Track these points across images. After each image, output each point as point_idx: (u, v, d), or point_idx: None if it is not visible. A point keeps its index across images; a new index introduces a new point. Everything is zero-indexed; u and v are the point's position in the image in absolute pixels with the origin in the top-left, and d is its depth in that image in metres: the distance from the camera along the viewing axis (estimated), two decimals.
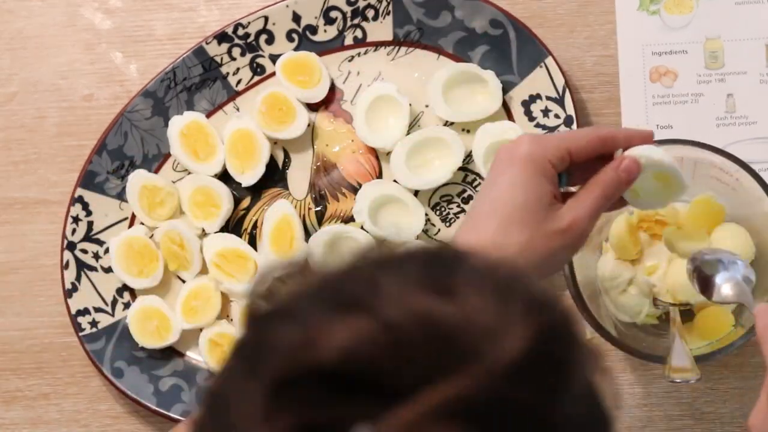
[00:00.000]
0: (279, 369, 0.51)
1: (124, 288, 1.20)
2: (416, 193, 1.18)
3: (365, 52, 1.20)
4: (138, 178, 1.19)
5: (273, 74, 1.20)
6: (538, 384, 0.51)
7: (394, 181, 1.18)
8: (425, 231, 1.18)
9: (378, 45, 1.20)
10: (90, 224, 1.20)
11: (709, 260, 1.05)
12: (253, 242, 1.20)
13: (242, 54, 1.20)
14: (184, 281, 1.20)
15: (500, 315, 0.52)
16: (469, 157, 1.18)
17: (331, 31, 1.20)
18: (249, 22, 1.20)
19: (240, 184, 1.20)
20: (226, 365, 0.55)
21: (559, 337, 0.53)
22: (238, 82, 1.21)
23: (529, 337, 0.51)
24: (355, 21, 1.20)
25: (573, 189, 0.94)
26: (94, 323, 1.19)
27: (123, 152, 1.20)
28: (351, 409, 0.50)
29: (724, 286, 1.04)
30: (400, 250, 0.56)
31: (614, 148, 0.93)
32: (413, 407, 0.49)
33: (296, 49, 1.20)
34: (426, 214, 1.18)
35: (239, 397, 0.52)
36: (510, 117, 1.18)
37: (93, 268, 1.20)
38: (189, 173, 1.20)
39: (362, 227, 1.17)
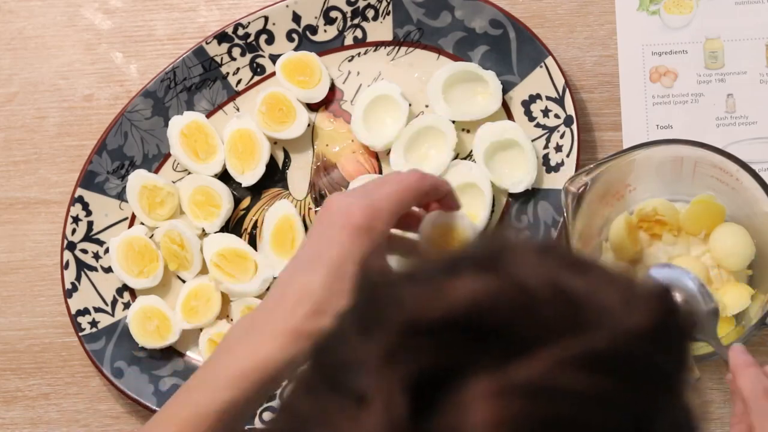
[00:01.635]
0: (401, 319, 0.52)
1: (124, 288, 1.20)
2: None
3: (365, 52, 1.21)
4: (138, 178, 1.19)
5: (273, 74, 1.21)
6: (661, 353, 0.53)
7: None
8: None
9: (378, 45, 1.20)
10: (90, 224, 1.20)
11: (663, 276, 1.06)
12: (252, 242, 1.20)
13: (242, 54, 1.20)
14: (184, 281, 1.20)
15: (626, 295, 0.54)
16: (469, 156, 1.18)
17: (331, 31, 1.20)
18: (249, 22, 1.20)
19: (240, 184, 1.20)
20: (337, 323, 0.56)
21: (676, 325, 0.55)
22: (238, 82, 1.21)
23: (653, 316, 0.53)
24: (355, 21, 1.20)
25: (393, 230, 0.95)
26: (94, 323, 1.19)
27: (123, 152, 1.20)
28: (473, 357, 0.50)
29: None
30: (523, 237, 0.58)
31: (426, 197, 0.96)
32: (540, 358, 0.50)
33: (296, 49, 1.20)
34: None
35: (355, 350, 0.53)
36: (510, 117, 1.18)
37: (93, 268, 1.20)
38: (189, 173, 1.20)
39: None
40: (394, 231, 0.96)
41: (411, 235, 0.99)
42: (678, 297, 1.04)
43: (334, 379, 0.53)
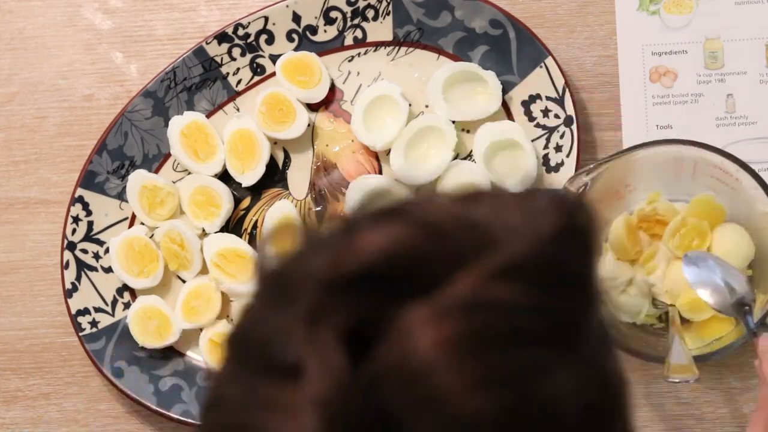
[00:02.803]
0: (315, 281, 0.52)
1: (124, 288, 1.20)
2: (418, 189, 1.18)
3: (365, 52, 1.21)
4: (138, 178, 1.19)
5: (273, 74, 1.21)
6: (569, 254, 0.55)
7: (395, 180, 1.18)
8: None
9: (378, 45, 1.20)
10: (90, 224, 1.20)
11: (696, 261, 1.07)
12: (252, 242, 1.20)
13: (242, 54, 1.20)
14: (184, 281, 1.20)
15: (526, 209, 0.56)
16: (469, 155, 1.18)
17: (331, 31, 1.20)
18: (249, 23, 1.20)
19: (240, 184, 1.20)
20: (246, 311, 0.56)
21: (578, 225, 0.57)
22: (238, 82, 1.21)
23: (554, 222, 0.55)
24: (355, 21, 1.20)
25: None
26: (94, 323, 1.19)
27: (123, 152, 1.20)
28: (398, 297, 0.52)
29: (701, 291, 1.05)
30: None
31: None
32: (464, 278, 0.52)
33: (296, 49, 1.20)
34: None
35: (274, 323, 0.53)
36: (510, 117, 1.18)
37: (93, 268, 1.20)
38: (189, 173, 1.20)
39: None
40: None
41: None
42: (707, 292, 1.05)
43: (260, 360, 0.53)
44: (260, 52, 1.20)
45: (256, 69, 1.21)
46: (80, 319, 1.19)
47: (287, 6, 1.19)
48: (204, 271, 1.19)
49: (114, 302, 1.20)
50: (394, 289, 0.52)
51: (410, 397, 0.50)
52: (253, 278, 0.57)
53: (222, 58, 1.20)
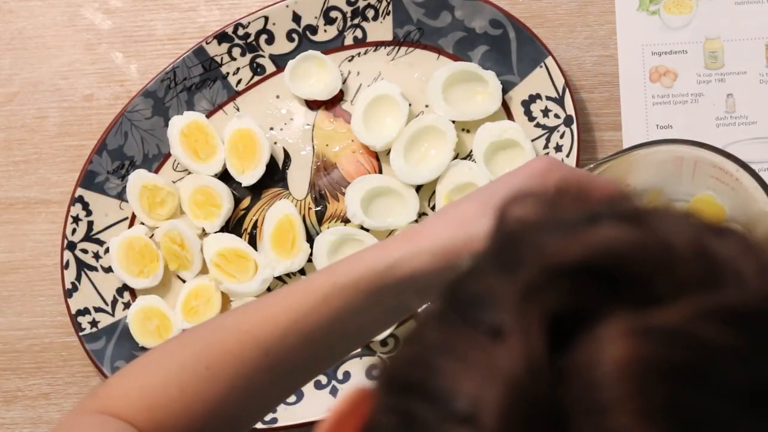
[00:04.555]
0: (541, 259, 0.52)
1: (124, 288, 1.20)
2: (418, 189, 1.18)
3: (365, 52, 1.21)
4: (138, 178, 1.19)
5: (273, 74, 1.21)
6: None
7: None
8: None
9: (378, 45, 1.20)
10: (90, 224, 1.20)
11: None
12: (253, 242, 1.20)
13: (242, 54, 1.20)
14: (184, 281, 1.20)
15: (764, 263, 0.54)
16: (469, 156, 1.18)
17: (331, 31, 1.20)
18: (249, 22, 1.20)
19: (240, 183, 1.20)
20: (472, 263, 0.56)
21: None
22: (238, 82, 1.21)
23: None
24: (355, 21, 1.20)
25: None
26: (94, 323, 1.19)
27: (123, 152, 1.20)
28: (609, 301, 0.51)
29: None
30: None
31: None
32: (679, 306, 0.50)
33: (296, 49, 1.20)
34: (425, 213, 1.18)
35: (491, 286, 0.53)
36: (510, 117, 1.18)
37: (93, 268, 1.20)
38: (189, 173, 1.20)
39: (361, 227, 1.18)
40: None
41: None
42: None
43: (466, 313, 0.53)
44: (260, 52, 1.21)
45: (256, 69, 1.21)
46: (80, 319, 1.19)
47: (287, 6, 1.19)
48: (204, 271, 1.19)
49: (114, 302, 1.20)
50: (611, 290, 0.51)
51: (581, 405, 0.49)
52: (492, 233, 0.57)
53: (222, 58, 1.20)
